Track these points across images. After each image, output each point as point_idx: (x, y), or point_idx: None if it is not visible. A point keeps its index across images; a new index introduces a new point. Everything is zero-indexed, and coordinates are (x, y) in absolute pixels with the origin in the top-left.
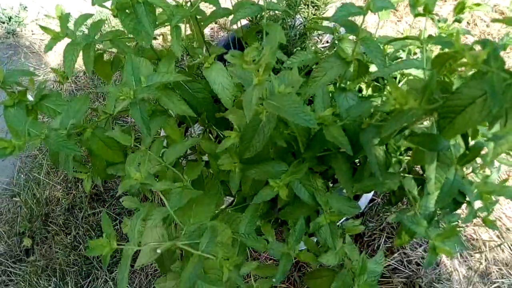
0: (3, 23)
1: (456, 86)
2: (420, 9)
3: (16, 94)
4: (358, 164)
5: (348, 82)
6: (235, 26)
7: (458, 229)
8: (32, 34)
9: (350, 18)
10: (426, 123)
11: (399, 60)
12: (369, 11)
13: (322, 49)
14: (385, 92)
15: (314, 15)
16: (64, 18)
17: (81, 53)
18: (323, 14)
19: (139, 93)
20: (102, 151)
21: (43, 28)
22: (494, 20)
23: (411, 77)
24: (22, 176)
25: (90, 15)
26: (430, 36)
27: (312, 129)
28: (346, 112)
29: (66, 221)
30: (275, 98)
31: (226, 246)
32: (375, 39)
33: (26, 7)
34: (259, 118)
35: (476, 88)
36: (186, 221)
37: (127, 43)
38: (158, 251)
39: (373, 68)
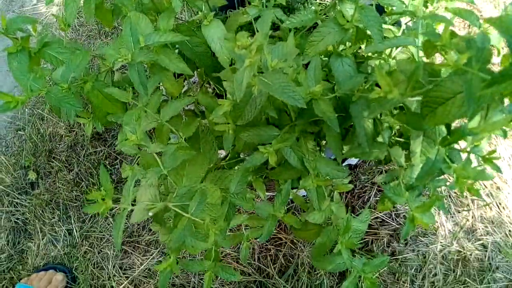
0: None
1: (443, 76)
2: None
3: (19, 40)
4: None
5: (345, 47)
6: None
7: (441, 195)
8: None
9: None
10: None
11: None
12: None
13: (327, 2)
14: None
15: None
16: None
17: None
18: None
19: (137, 56)
20: (102, 104)
21: None
22: None
23: (403, 56)
24: (26, 110)
25: None
26: (425, 15)
27: None
28: (338, 84)
29: (69, 158)
30: (266, 75)
31: (215, 207)
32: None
33: None
34: (251, 90)
35: (458, 84)
36: (179, 181)
37: None
38: (150, 213)
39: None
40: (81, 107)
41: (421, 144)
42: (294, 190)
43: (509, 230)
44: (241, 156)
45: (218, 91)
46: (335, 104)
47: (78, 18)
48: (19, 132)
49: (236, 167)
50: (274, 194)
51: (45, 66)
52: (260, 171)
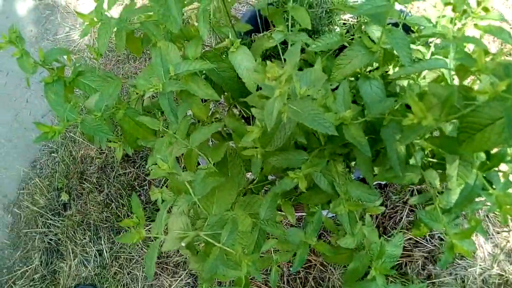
0: None
1: (479, 102)
2: None
3: (55, 71)
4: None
5: (372, 68)
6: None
7: (479, 218)
8: None
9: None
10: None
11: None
12: None
13: (351, 23)
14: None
15: None
16: (99, 3)
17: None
18: None
19: (168, 86)
20: (133, 130)
21: (79, 14)
22: None
23: (431, 78)
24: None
25: None
26: (456, 38)
27: None
28: (368, 108)
29: (99, 180)
30: (295, 104)
31: (246, 235)
32: (400, 29)
33: None
34: (280, 117)
35: (497, 109)
36: (209, 207)
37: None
38: (183, 244)
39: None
40: (113, 134)
41: (458, 168)
42: (323, 213)
43: None
44: (268, 178)
45: (244, 114)
46: (364, 126)
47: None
48: (52, 154)
49: (263, 191)
50: (302, 214)
51: (77, 92)
52: (289, 194)
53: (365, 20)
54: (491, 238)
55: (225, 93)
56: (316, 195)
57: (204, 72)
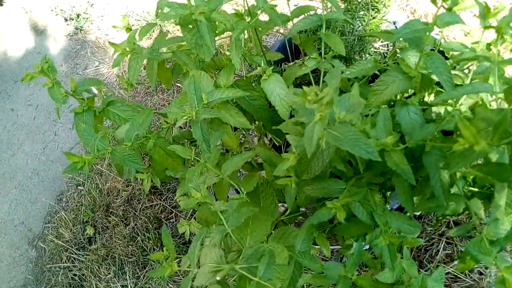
0: (72, 19)
1: None
2: (492, 21)
3: (85, 101)
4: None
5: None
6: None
7: None
8: (98, 29)
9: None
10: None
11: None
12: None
13: (381, 51)
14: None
15: (373, 17)
16: (131, 35)
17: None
18: (383, 16)
19: (201, 114)
20: (163, 160)
21: (112, 44)
22: None
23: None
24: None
25: (154, 25)
26: (504, 60)
27: None
28: (407, 135)
29: (125, 212)
30: (335, 128)
31: (282, 268)
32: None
33: (92, 4)
34: (318, 143)
35: None
36: (243, 239)
37: (187, 53)
38: (218, 278)
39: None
40: (143, 165)
41: (507, 197)
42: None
43: None
44: (301, 210)
45: (276, 143)
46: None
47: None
48: (78, 187)
49: (294, 223)
50: (334, 247)
51: (105, 124)
52: (323, 226)
53: (401, 47)
54: None
55: (256, 122)
56: (353, 227)
57: (235, 101)
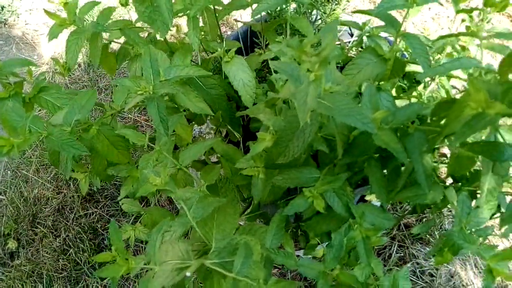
0: None
1: None
2: (463, 5)
3: (12, 85)
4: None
5: (382, 82)
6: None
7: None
8: (26, 24)
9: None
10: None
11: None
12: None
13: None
14: (416, 93)
15: (333, 10)
16: (72, 4)
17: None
18: (343, 9)
19: (159, 88)
20: (107, 151)
21: (48, 13)
22: None
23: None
24: (8, 172)
25: (97, 3)
26: (488, 35)
27: (351, 134)
28: (392, 115)
29: (56, 223)
30: (327, 98)
31: (256, 265)
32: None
33: None
34: (297, 119)
35: None
36: (208, 234)
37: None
38: (188, 273)
39: (414, 67)
40: (86, 150)
41: (488, 182)
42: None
43: None
44: (262, 210)
45: (232, 138)
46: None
47: (71, 75)
48: None
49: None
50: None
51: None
52: (287, 226)
53: (369, 33)
54: (480, 272)
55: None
56: (324, 222)
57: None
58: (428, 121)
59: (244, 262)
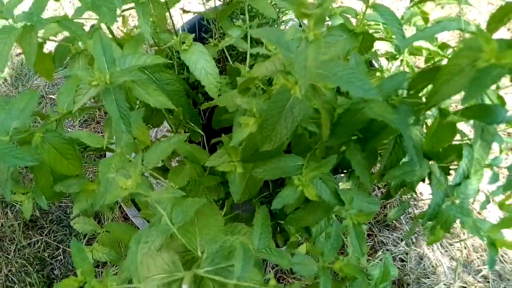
0: None
1: None
2: None
3: None
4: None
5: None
6: (198, 9)
7: None
8: None
9: None
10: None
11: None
12: None
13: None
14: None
15: None
16: None
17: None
18: None
19: (117, 76)
20: (55, 162)
21: None
22: None
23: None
24: None
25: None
26: None
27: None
28: (379, 87)
29: None
30: (322, 66)
31: (253, 267)
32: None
33: None
34: (285, 97)
35: None
36: (191, 240)
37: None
38: (185, 286)
39: (380, 45)
40: (33, 160)
41: (477, 151)
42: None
43: (501, 255)
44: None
45: (193, 139)
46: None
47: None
48: None
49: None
50: None
51: None
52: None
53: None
54: (446, 251)
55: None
56: (310, 213)
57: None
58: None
59: (244, 265)
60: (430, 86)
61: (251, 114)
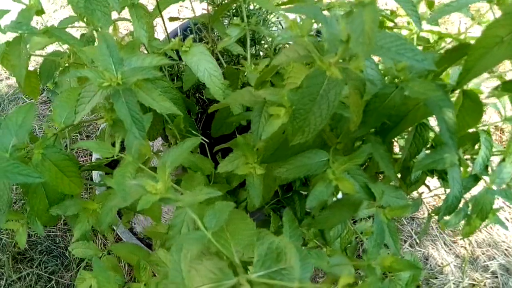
0: None
1: None
2: None
3: None
4: None
5: None
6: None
7: None
8: None
9: None
10: None
11: None
12: None
13: None
14: None
15: None
16: None
17: None
18: None
19: (129, 76)
20: (56, 180)
21: None
22: None
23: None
24: None
25: (6, 11)
26: None
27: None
28: (408, 69)
29: None
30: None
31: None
32: None
33: None
34: (318, 81)
35: None
36: (225, 246)
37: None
38: None
39: None
40: (40, 176)
41: None
42: None
43: (505, 249)
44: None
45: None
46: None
47: None
48: None
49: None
50: None
51: None
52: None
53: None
54: (450, 249)
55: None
56: (335, 214)
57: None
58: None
59: (304, 266)
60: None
61: (278, 105)
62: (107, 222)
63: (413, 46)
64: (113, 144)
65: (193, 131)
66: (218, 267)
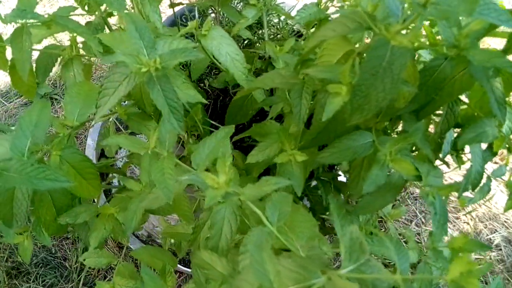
0: None
1: None
2: None
3: None
4: None
5: None
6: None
7: None
8: None
9: None
10: None
11: None
12: None
13: None
14: None
15: None
16: None
17: None
18: None
19: (168, 59)
20: (76, 185)
21: None
22: None
23: None
24: None
25: None
26: None
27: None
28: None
29: None
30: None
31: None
32: None
33: None
34: (380, 53)
35: None
36: (288, 241)
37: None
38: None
39: None
40: (71, 180)
41: None
42: None
43: (504, 221)
44: None
45: None
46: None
47: None
48: None
49: None
50: None
51: None
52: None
53: None
54: (454, 225)
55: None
56: (379, 196)
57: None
58: None
59: (400, 255)
60: None
61: (338, 83)
62: (133, 228)
63: (496, 5)
64: None
65: (212, 122)
66: (300, 265)
